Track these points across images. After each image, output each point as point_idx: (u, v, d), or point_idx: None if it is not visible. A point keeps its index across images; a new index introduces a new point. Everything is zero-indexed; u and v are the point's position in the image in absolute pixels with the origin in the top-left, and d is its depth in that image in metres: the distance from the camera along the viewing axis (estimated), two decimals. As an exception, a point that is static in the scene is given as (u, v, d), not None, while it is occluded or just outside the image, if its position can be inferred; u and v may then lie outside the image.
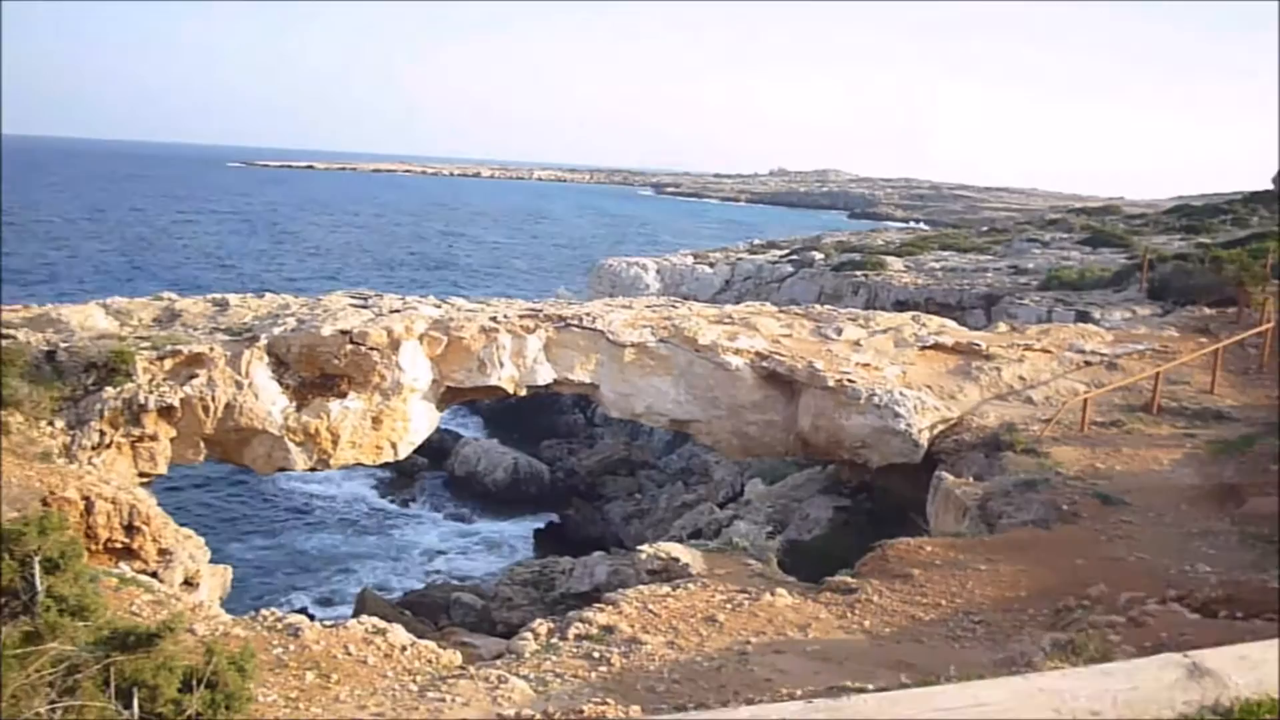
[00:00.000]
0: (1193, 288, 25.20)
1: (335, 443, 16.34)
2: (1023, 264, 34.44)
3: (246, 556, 25.68)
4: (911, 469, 17.37)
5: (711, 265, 42.86)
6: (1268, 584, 9.94)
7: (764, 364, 17.98)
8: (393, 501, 32.04)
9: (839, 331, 19.32)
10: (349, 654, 9.23)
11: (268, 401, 15.98)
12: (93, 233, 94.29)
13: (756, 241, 54.14)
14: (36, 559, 4.28)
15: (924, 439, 17.25)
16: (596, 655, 9.28)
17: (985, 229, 56.24)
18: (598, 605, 10.72)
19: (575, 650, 9.56)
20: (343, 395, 16.42)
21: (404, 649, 9.58)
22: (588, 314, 18.31)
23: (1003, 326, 22.00)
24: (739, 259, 43.64)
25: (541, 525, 29.96)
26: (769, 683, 8.34)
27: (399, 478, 32.93)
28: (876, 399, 17.24)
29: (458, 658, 9.70)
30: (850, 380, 17.47)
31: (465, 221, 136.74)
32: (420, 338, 16.99)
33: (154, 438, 15.45)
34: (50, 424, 14.95)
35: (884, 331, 19.56)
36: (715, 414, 18.13)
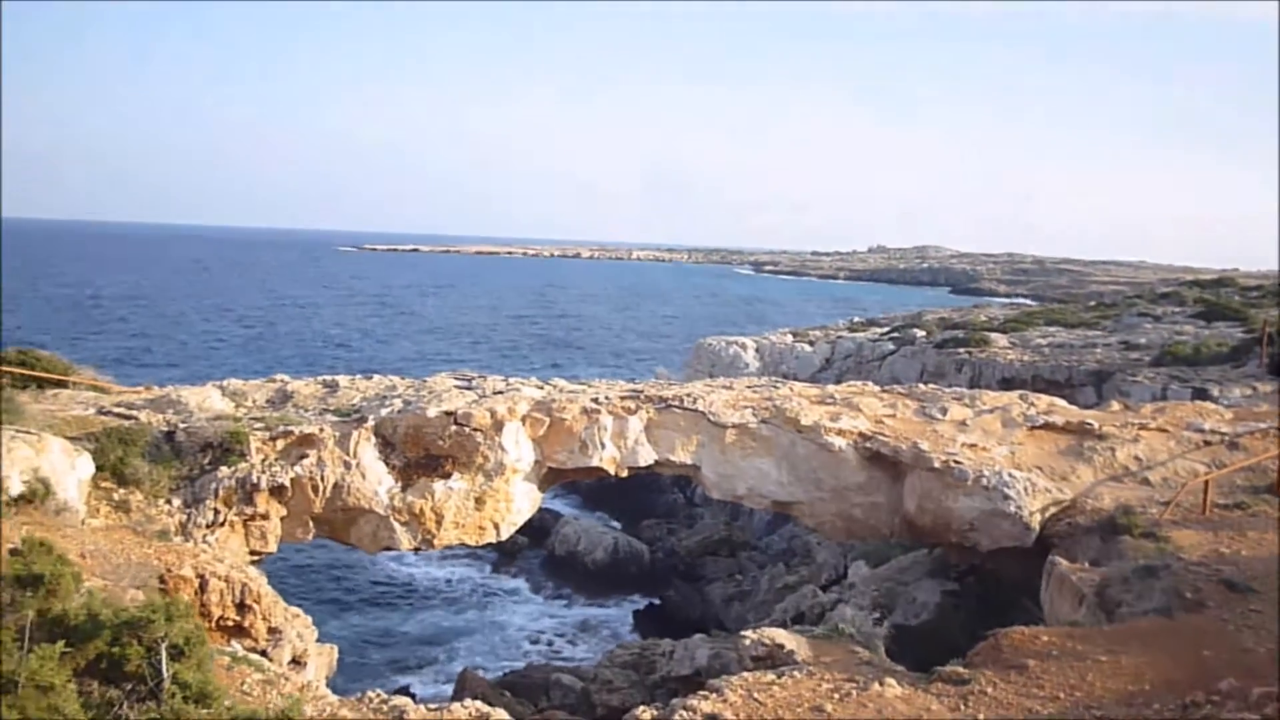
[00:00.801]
0: (1318, 363, 24.21)
1: (439, 523, 16.51)
2: (1134, 339, 33.48)
3: (346, 634, 25.98)
4: (1023, 553, 16.81)
5: (811, 344, 42.62)
6: None
7: (868, 445, 17.70)
8: (493, 581, 32.16)
9: (944, 411, 18.95)
10: None
11: (374, 481, 16.25)
12: (215, 313, 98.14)
13: (856, 319, 53.74)
14: (163, 645, 4.38)
15: (1035, 522, 16.71)
16: (701, 745, 9.09)
17: (1093, 303, 54.94)
18: (701, 692, 10.53)
19: (679, 739, 9.38)
20: (447, 476, 16.62)
21: None
22: (688, 395, 18.31)
23: (1115, 405, 21.32)
24: (839, 337, 43.33)
25: (641, 606, 29.74)
26: (880, 778, 8.05)
27: (500, 556, 33.09)
28: (985, 480, 16.80)
29: None
30: (957, 461, 17.07)
31: (574, 301, 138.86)
32: (523, 419, 17.17)
33: (265, 516, 15.81)
34: (168, 502, 15.41)
35: (991, 411, 19.12)
36: (819, 496, 17.86)
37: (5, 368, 18.11)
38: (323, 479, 15.93)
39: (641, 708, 10.57)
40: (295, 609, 14.51)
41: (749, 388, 20.08)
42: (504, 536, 17.64)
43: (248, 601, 13.10)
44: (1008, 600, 16.61)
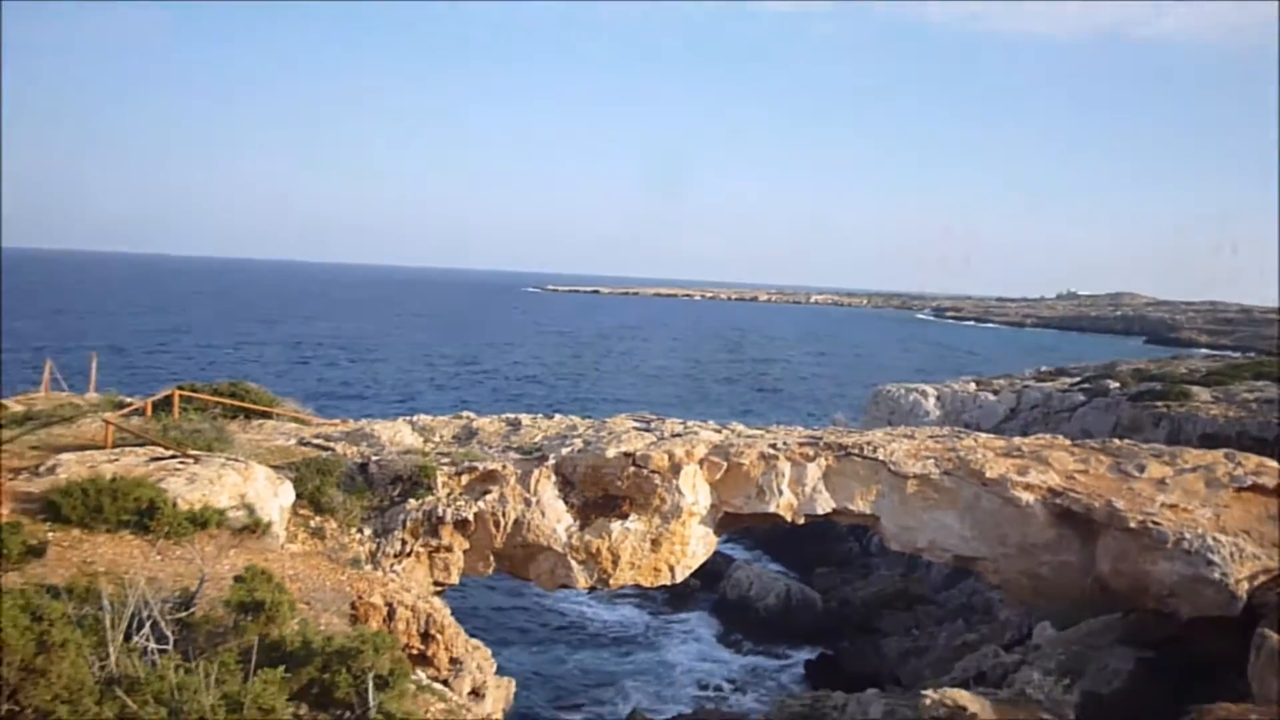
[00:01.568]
0: None
1: (615, 562, 16.69)
2: (1355, 397, 31.04)
3: (519, 668, 26.39)
4: (1227, 623, 15.74)
5: (995, 393, 41.22)
6: None
7: (1057, 501, 16.97)
8: (663, 623, 32.15)
9: (1141, 468, 18.00)
10: None
11: (554, 519, 16.58)
12: (416, 350, 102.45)
13: (1044, 368, 51.71)
14: (370, 675, 4.58)
15: (1242, 590, 15.65)
16: (878, 806, 8.83)
17: (1307, 357, 51.27)
18: (879, 751, 10.25)
19: (855, 798, 9.13)
20: (624, 516, 16.82)
21: None
22: (869, 443, 17.99)
23: (1334, 468, 19.80)
24: (1025, 386, 41.75)
25: (812, 656, 29.16)
26: None
27: (671, 598, 33.08)
28: (1186, 544, 15.86)
29: None
30: (1155, 522, 16.18)
31: (758, 345, 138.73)
32: (700, 462, 17.23)
33: (449, 549, 16.33)
34: (359, 530, 16.12)
35: (1193, 470, 18.05)
36: (1003, 552, 17.22)
37: (218, 398, 19.36)
38: (504, 514, 16.36)
39: None
40: (475, 640, 14.90)
41: (931, 437, 19.58)
42: (678, 579, 17.68)
43: (432, 631, 13.52)
44: (1210, 673, 15.55)
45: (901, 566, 33.65)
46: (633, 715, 21.87)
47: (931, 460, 17.60)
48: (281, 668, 5.62)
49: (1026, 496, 16.99)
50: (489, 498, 16.42)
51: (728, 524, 18.37)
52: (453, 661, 13.67)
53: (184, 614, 7.41)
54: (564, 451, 17.22)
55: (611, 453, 16.94)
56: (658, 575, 17.20)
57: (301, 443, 17.78)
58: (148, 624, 6.78)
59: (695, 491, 17.13)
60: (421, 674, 12.79)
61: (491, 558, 16.73)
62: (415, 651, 13.59)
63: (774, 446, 17.61)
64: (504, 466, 16.72)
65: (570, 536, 16.60)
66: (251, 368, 72.02)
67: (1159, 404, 32.66)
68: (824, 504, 17.61)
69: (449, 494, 16.46)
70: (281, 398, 21.79)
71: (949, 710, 12.23)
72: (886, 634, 28.88)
